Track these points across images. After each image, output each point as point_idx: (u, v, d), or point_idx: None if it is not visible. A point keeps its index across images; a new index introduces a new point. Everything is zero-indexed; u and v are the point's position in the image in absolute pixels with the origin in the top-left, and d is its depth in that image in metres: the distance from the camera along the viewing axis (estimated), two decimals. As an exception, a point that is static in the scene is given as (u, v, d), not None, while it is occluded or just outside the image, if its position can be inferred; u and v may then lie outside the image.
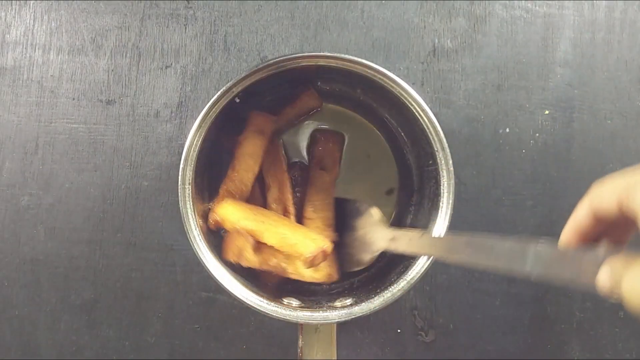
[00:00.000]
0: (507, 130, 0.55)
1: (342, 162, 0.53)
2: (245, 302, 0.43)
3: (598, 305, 0.55)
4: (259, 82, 0.43)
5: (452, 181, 0.43)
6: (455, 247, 0.36)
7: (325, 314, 0.43)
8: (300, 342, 0.44)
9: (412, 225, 0.51)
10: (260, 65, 0.42)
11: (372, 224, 0.45)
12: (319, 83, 0.51)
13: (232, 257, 0.45)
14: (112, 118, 0.55)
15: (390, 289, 0.43)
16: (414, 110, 0.43)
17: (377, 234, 0.45)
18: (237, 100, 0.44)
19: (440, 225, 0.43)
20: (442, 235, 0.40)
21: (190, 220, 0.44)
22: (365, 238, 0.46)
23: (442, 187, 0.44)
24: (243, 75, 0.42)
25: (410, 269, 0.43)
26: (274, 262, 0.45)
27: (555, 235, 0.55)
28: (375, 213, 0.46)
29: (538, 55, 0.55)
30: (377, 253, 0.45)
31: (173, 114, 0.55)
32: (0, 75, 0.55)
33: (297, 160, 0.53)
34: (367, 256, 0.46)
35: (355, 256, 0.47)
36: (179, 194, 0.43)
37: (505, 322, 0.54)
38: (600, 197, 0.27)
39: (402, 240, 0.42)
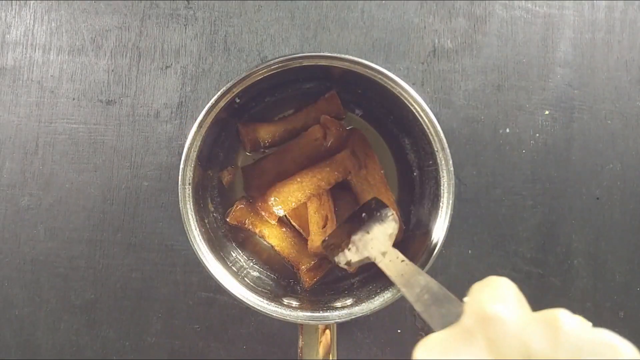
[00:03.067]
0: (507, 130, 0.55)
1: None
2: (245, 302, 0.43)
3: (598, 306, 0.55)
4: (259, 81, 0.43)
5: (452, 181, 0.43)
6: (413, 283, 0.39)
7: (325, 314, 0.43)
8: (300, 342, 0.44)
9: (413, 227, 0.51)
10: (261, 66, 0.42)
11: (383, 234, 0.45)
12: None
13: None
14: (112, 118, 0.55)
15: (391, 289, 0.43)
16: (414, 111, 0.43)
17: (377, 244, 0.44)
18: (237, 101, 0.44)
19: (441, 225, 0.43)
20: (414, 267, 0.40)
21: (190, 220, 0.44)
22: (368, 243, 0.45)
23: (442, 187, 0.44)
24: (243, 75, 0.42)
25: (410, 269, 0.43)
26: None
27: (556, 235, 0.55)
28: (393, 227, 0.45)
29: (538, 55, 0.55)
30: (363, 261, 0.44)
31: (173, 114, 0.55)
32: (0, 75, 0.55)
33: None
34: (357, 258, 0.45)
35: (350, 252, 0.46)
36: (179, 194, 0.43)
37: (505, 322, 0.54)
38: None
39: (388, 258, 0.43)
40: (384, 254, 0.43)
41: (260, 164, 0.51)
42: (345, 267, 0.46)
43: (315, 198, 0.49)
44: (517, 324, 0.28)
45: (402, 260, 0.41)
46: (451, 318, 0.33)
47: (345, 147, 0.50)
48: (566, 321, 0.27)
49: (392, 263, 0.42)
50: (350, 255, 0.45)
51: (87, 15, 0.55)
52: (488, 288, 0.32)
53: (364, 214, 0.46)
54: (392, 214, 0.45)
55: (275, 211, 0.48)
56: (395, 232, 0.45)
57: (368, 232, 0.45)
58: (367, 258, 0.44)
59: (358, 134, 0.51)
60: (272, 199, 0.48)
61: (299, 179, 0.48)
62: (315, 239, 0.49)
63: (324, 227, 0.49)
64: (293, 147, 0.51)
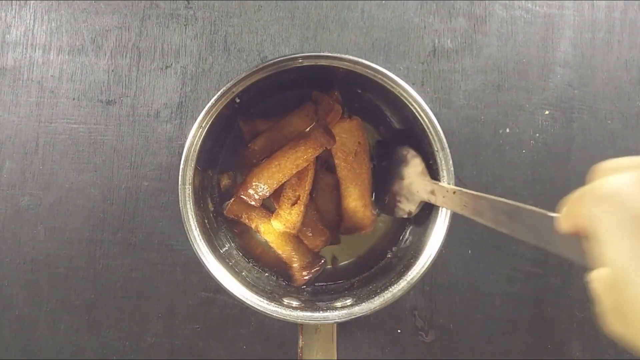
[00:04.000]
0: (507, 130, 0.55)
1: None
2: (245, 302, 0.43)
3: (598, 306, 0.55)
4: (259, 81, 0.43)
5: (452, 181, 0.43)
6: (480, 209, 0.37)
7: (325, 314, 0.43)
8: (300, 342, 0.44)
9: (413, 227, 0.51)
10: (261, 65, 0.42)
11: (416, 174, 0.46)
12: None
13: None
14: (112, 118, 0.55)
15: (391, 289, 0.43)
16: (414, 110, 0.43)
17: (420, 186, 0.46)
18: (237, 101, 0.44)
19: (441, 225, 0.43)
20: (471, 193, 0.40)
21: (190, 220, 0.44)
22: (411, 188, 0.47)
23: (442, 187, 0.44)
24: (243, 75, 0.42)
25: (410, 269, 0.43)
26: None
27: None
28: (419, 163, 0.46)
29: (538, 55, 0.55)
30: (421, 204, 0.46)
31: (173, 114, 0.55)
32: (0, 75, 0.55)
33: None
34: (413, 206, 0.47)
35: (402, 204, 0.48)
36: (179, 194, 0.43)
37: (505, 322, 0.54)
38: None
39: (439, 195, 0.43)
40: (432, 192, 0.44)
41: (253, 143, 0.51)
42: (409, 215, 0.47)
43: (295, 177, 0.49)
44: None
45: (454, 192, 0.41)
46: (546, 227, 0.31)
47: (320, 123, 0.50)
48: None
49: (447, 198, 0.42)
50: (407, 207, 0.47)
51: (87, 15, 0.55)
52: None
53: (383, 163, 0.47)
54: (409, 151, 0.46)
55: (257, 195, 0.48)
56: (423, 165, 0.46)
57: (403, 179, 0.47)
58: (422, 202, 0.46)
59: (356, 121, 0.51)
60: (253, 184, 0.48)
61: (276, 162, 0.48)
62: (282, 213, 0.49)
63: (293, 205, 0.49)
64: (285, 125, 0.51)
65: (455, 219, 0.43)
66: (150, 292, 0.54)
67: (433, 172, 0.45)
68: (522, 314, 0.54)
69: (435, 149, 0.43)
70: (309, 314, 0.43)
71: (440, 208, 0.43)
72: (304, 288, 0.50)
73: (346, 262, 0.52)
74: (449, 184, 0.43)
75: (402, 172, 0.47)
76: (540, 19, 0.55)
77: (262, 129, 0.51)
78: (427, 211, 0.47)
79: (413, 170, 0.46)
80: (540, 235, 0.31)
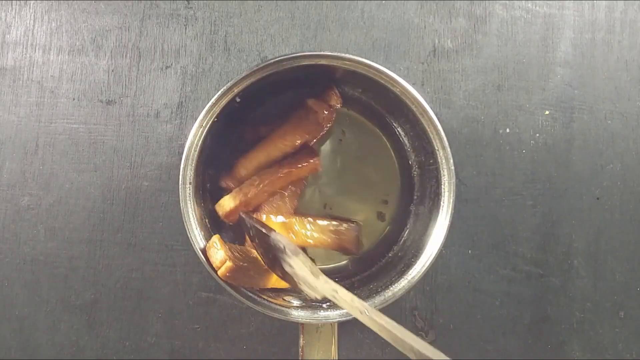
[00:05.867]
0: (507, 130, 0.55)
1: (343, 162, 0.52)
2: (245, 302, 0.43)
3: (598, 306, 0.55)
4: (260, 81, 0.43)
5: (453, 180, 0.43)
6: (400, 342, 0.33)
7: (326, 313, 0.43)
8: (301, 342, 0.44)
9: (414, 226, 0.51)
10: (261, 65, 0.42)
11: (305, 272, 0.40)
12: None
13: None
14: (112, 118, 0.55)
15: (391, 288, 0.43)
16: (415, 109, 0.43)
17: (318, 286, 0.39)
18: (238, 100, 0.44)
19: (442, 223, 0.43)
20: (387, 321, 0.34)
21: (191, 220, 0.44)
22: (306, 280, 0.39)
23: (442, 186, 0.44)
24: (243, 75, 0.42)
25: (411, 268, 0.43)
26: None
27: (556, 235, 0.55)
28: (304, 261, 0.40)
29: (538, 55, 0.55)
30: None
31: (173, 114, 0.55)
32: (0, 75, 0.55)
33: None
34: (318, 295, 0.40)
35: (305, 288, 0.40)
36: (180, 194, 0.43)
37: (505, 322, 0.54)
38: None
39: (345, 299, 0.37)
40: (336, 292, 0.38)
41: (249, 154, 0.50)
42: (316, 301, 0.42)
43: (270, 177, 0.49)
44: None
45: (364, 312, 0.35)
46: None
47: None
48: None
49: (347, 306, 0.36)
50: (312, 293, 0.40)
51: (87, 15, 0.55)
52: None
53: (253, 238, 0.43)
54: (285, 245, 0.40)
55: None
56: (310, 263, 0.39)
57: (292, 267, 0.40)
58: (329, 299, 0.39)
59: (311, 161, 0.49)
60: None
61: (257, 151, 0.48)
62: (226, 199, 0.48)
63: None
64: (278, 137, 0.50)
65: (455, 219, 0.44)
66: (150, 292, 0.54)
67: (432, 171, 0.45)
68: (522, 314, 0.54)
69: (436, 148, 0.43)
70: (310, 313, 0.43)
71: (441, 206, 0.43)
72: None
73: (346, 261, 0.52)
74: (449, 182, 0.43)
75: (287, 261, 0.40)
76: (540, 19, 0.55)
77: (264, 135, 0.51)
78: (428, 209, 0.47)
79: (298, 265, 0.39)
80: None
